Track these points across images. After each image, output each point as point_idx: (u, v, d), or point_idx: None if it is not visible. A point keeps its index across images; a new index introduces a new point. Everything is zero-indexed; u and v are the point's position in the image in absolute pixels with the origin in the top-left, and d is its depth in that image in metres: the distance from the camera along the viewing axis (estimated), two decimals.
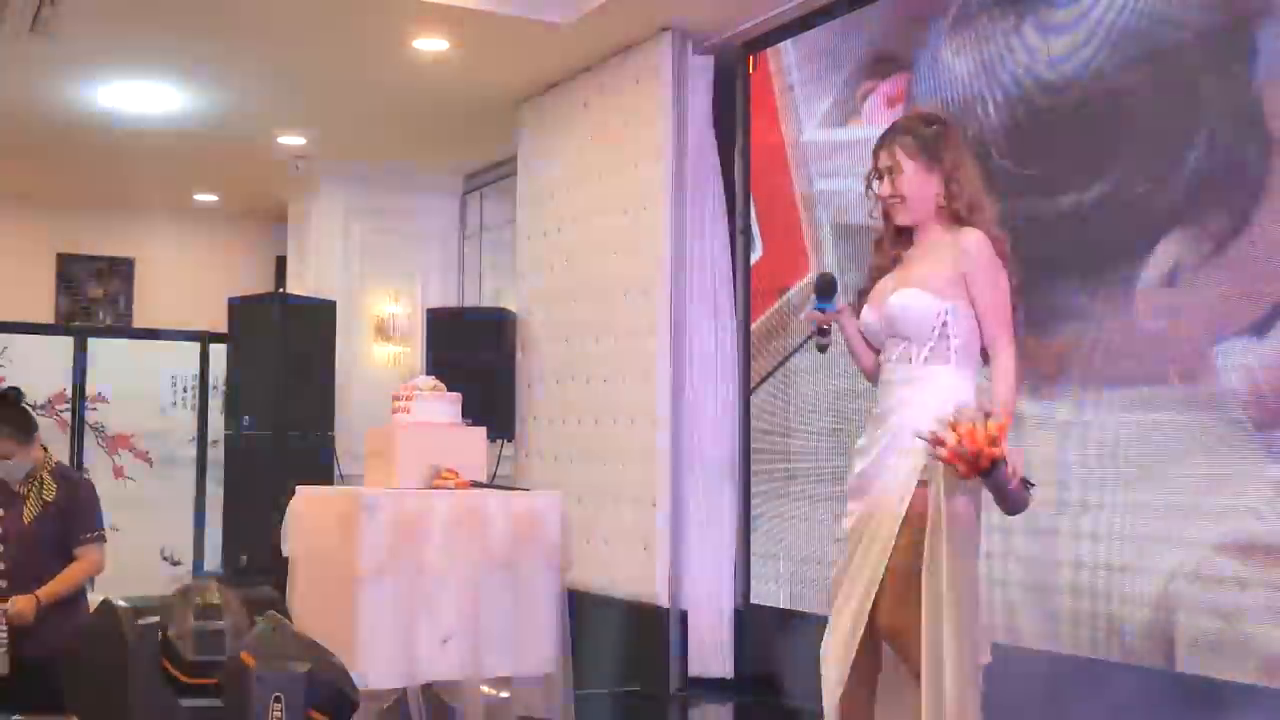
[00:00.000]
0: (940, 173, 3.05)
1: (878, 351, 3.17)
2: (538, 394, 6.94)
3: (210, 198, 10.37)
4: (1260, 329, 3.67)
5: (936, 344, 2.98)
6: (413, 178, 8.91)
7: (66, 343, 7.88)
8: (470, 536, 4.26)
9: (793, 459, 5.49)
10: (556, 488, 5.55)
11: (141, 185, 9.80)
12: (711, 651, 5.74)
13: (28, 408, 4.70)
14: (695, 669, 5.75)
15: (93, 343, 7.93)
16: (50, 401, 7.56)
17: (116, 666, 3.90)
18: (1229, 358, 3.73)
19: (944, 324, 2.97)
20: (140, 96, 7.22)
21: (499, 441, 6.76)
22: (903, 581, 2.90)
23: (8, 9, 5.76)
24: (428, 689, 4.23)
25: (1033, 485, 2.87)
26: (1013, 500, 2.83)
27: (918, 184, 3.06)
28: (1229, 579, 3.71)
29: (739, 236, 5.92)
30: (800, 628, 5.21)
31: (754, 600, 5.68)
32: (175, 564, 7.81)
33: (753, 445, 5.75)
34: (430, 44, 6.27)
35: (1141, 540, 3.95)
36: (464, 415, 4.69)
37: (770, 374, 5.68)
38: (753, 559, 5.70)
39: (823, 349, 3.27)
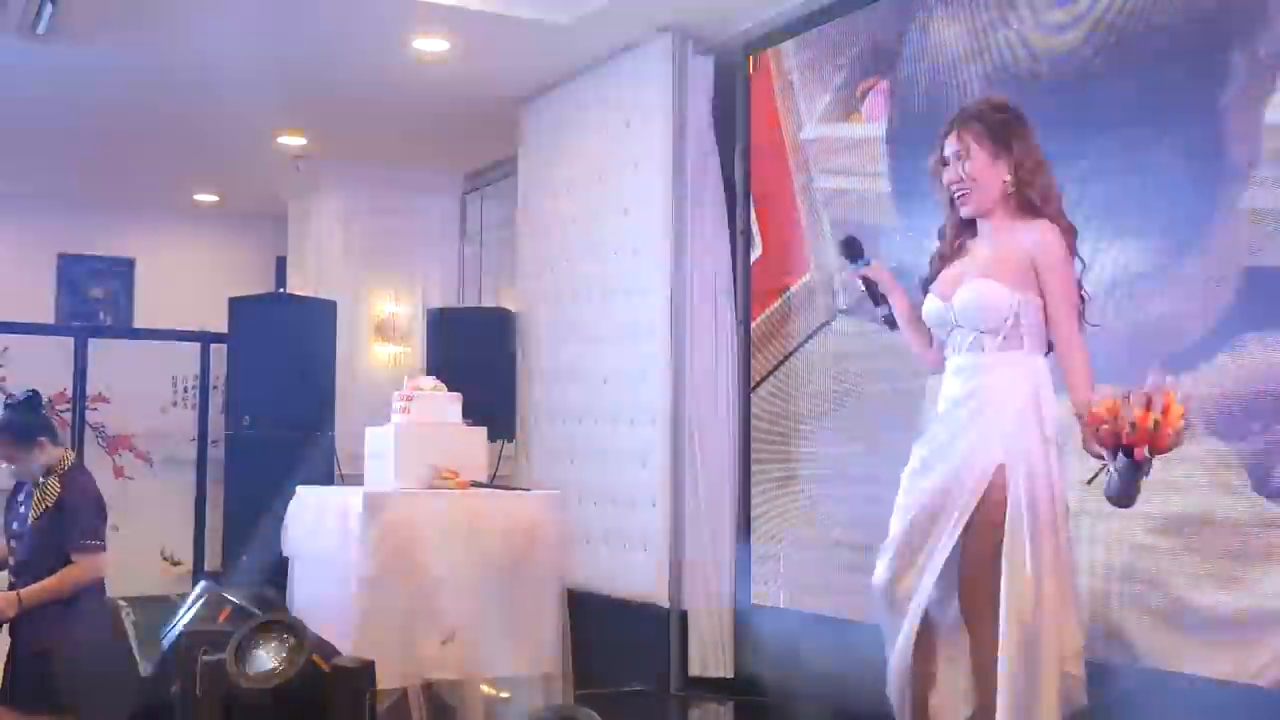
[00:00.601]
0: (1009, 160, 3.03)
1: (929, 341, 3.21)
2: (538, 394, 6.93)
3: (210, 198, 10.37)
4: (1200, 347, 3.73)
5: (1009, 333, 2.99)
6: (413, 178, 8.90)
7: (67, 343, 7.86)
8: (470, 536, 4.27)
9: (793, 459, 5.49)
10: (556, 488, 5.55)
11: (141, 185, 9.81)
12: (711, 651, 5.74)
13: (39, 410, 4.71)
14: (695, 669, 5.74)
15: (93, 343, 7.91)
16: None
17: (116, 666, 3.91)
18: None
19: (1016, 315, 2.98)
20: (139, 96, 7.22)
21: (499, 441, 6.76)
22: (976, 564, 2.92)
23: (8, 9, 5.76)
24: (428, 689, 4.24)
25: None
26: (1136, 490, 2.80)
27: (987, 171, 3.04)
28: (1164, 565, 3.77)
29: (739, 236, 5.92)
30: (800, 628, 5.21)
31: (754, 600, 5.67)
32: (175, 564, 7.81)
33: (753, 445, 5.75)
34: (430, 44, 6.26)
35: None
36: (464, 415, 4.69)
37: (770, 374, 5.67)
38: (753, 559, 5.70)
39: (891, 322, 3.30)
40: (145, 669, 3.86)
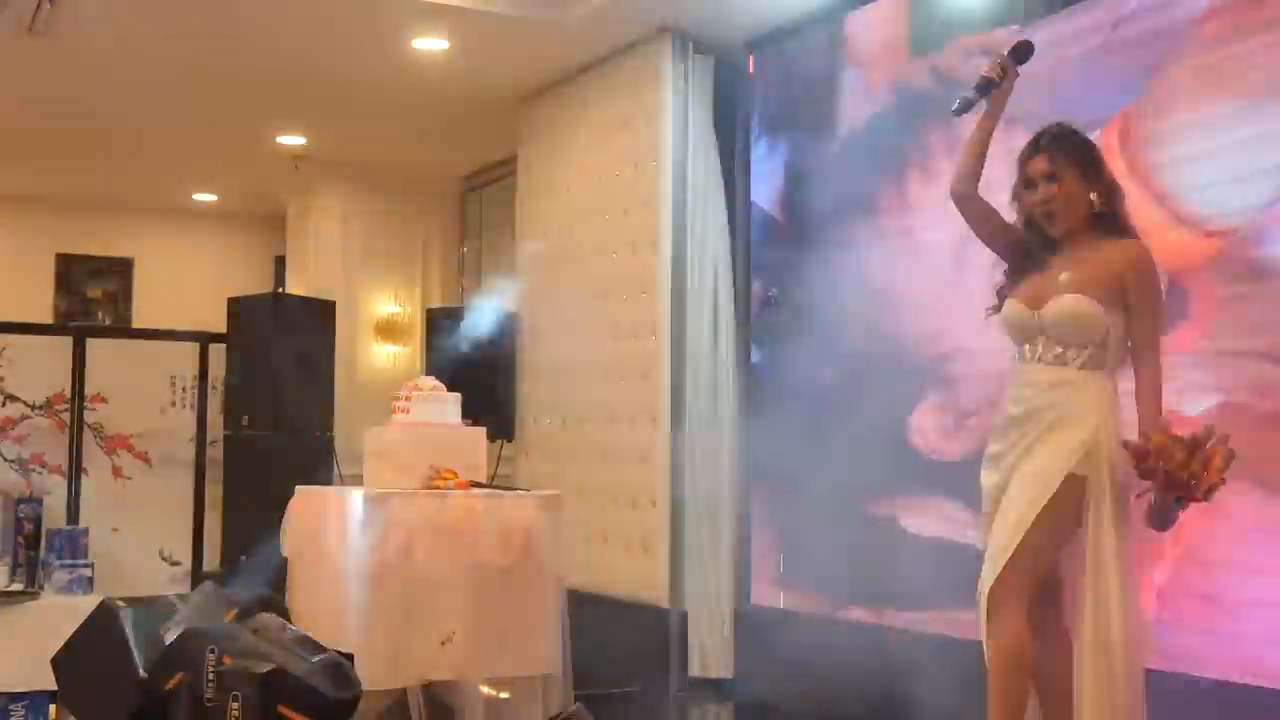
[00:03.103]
0: (1100, 181, 3.07)
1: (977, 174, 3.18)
2: (538, 394, 6.93)
3: (210, 197, 10.37)
4: None
5: (1095, 352, 3.00)
6: (413, 178, 8.90)
7: (65, 343, 7.83)
8: (469, 537, 4.26)
9: (792, 459, 5.47)
10: (556, 488, 5.54)
11: (141, 185, 9.82)
12: (711, 651, 5.74)
13: None
14: (695, 669, 5.74)
15: (92, 343, 7.88)
16: (49, 401, 7.54)
17: (115, 667, 3.89)
18: None
19: (1106, 333, 2.98)
20: (139, 95, 7.21)
21: (499, 441, 6.75)
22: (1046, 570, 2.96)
23: (7, 9, 5.75)
24: (428, 689, 4.23)
25: None
26: (1173, 521, 2.86)
27: (1077, 191, 3.06)
28: None
29: (739, 235, 5.91)
30: (799, 628, 5.20)
31: (754, 600, 5.67)
32: (174, 564, 7.79)
33: (752, 445, 5.74)
34: (430, 44, 6.26)
35: None
36: (464, 415, 4.68)
37: (770, 374, 5.66)
38: (753, 559, 5.69)
39: (965, 106, 3.19)
40: (143, 669, 3.85)
